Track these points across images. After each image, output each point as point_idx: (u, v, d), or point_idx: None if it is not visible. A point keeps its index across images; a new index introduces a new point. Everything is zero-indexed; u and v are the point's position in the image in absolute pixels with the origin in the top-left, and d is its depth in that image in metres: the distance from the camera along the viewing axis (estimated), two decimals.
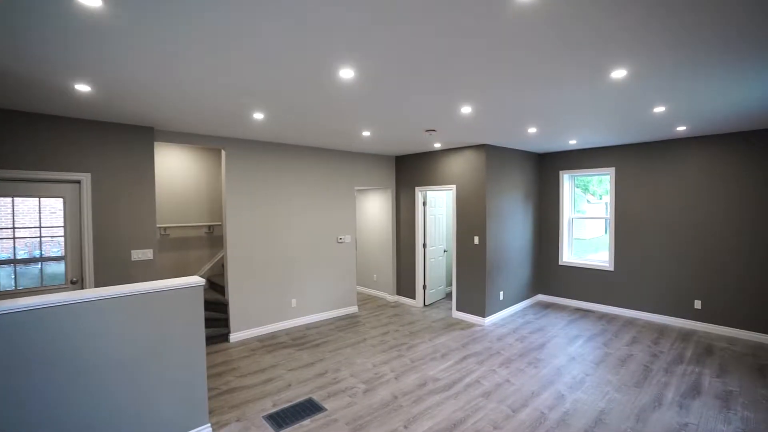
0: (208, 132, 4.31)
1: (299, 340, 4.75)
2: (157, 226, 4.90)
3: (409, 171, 6.32)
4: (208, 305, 4.84)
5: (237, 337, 4.72)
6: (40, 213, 3.54)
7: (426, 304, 6.31)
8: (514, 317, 5.58)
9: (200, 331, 2.76)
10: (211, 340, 4.57)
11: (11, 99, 2.98)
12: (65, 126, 3.52)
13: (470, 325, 5.27)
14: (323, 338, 4.80)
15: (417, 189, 6.16)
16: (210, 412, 3.10)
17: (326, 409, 3.17)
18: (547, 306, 6.15)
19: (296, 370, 3.92)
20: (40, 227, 3.53)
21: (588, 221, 6.06)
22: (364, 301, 6.62)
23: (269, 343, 4.63)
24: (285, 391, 3.47)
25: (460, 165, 5.53)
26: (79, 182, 3.62)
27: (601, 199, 5.76)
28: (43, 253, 3.56)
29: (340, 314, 5.78)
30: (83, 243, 3.64)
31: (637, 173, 5.38)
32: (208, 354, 4.29)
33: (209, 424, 2.81)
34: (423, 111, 3.45)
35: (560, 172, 6.17)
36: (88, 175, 3.64)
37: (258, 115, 3.55)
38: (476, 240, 5.35)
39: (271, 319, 5.04)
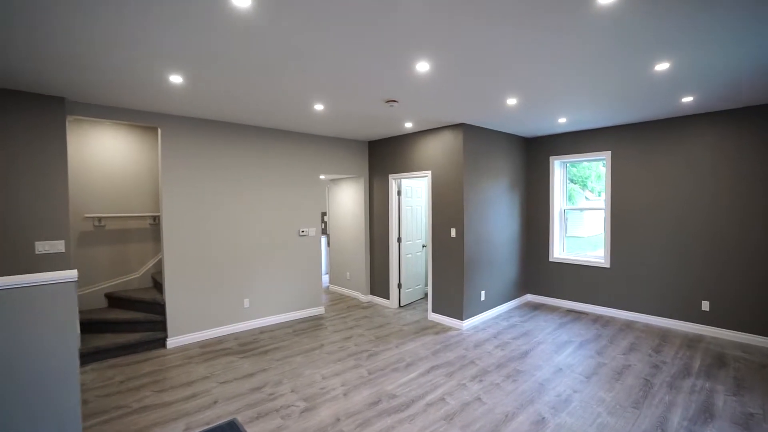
0: (136, 106, 3.71)
1: (247, 345, 4.15)
2: (90, 216, 4.31)
3: (383, 157, 5.70)
4: (146, 306, 4.24)
5: (175, 342, 4.11)
6: None
7: (401, 304, 5.70)
8: (498, 320, 4.96)
9: (72, 341, 2.16)
10: (144, 346, 3.96)
11: None
12: None
13: (446, 329, 4.66)
14: (275, 344, 4.19)
15: (390, 177, 5.54)
16: None
17: None
18: (537, 307, 5.52)
19: (230, 382, 3.31)
20: None
21: (587, 217, 5.42)
22: (335, 301, 6.01)
23: (211, 350, 4.02)
24: (207, 410, 2.87)
25: (436, 148, 4.91)
26: None
27: (600, 195, 5.14)
28: None
29: (303, 316, 5.17)
30: None
31: (635, 157, 4.75)
32: (134, 363, 3.69)
33: None
34: (373, 71, 2.83)
35: (551, 158, 5.54)
36: None
37: (176, 78, 2.94)
38: (453, 233, 4.73)
39: (219, 322, 4.43)
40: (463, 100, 3.64)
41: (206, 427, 2.65)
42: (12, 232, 3.19)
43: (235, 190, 4.54)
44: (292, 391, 3.16)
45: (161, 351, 3.99)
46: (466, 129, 4.60)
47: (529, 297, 5.90)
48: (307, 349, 4.04)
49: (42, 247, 3.32)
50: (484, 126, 4.81)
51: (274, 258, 4.88)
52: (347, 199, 6.31)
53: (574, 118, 4.44)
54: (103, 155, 4.48)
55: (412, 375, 3.44)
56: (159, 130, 4.01)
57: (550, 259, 5.59)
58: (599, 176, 5.43)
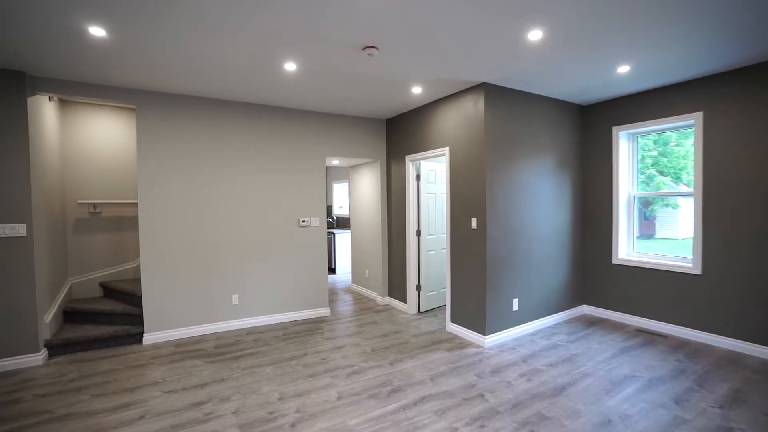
0: (110, 81, 3.41)
1: (224, 348, 3.65)
2: (83, 202, 4.19)
3: (400, 136, 4.87)
4: (128, 298, 3.98)
5: (152, 338, 3.77)
6: None
7: (421, 310, 4.82)
8: (535, 338, 3.85)
9: None
10: (119, 340, 3.68)
11: None
12: None
13: (463, 345, 3.70)
14: (254, 349, 3.64)
15: (407, 158, 4.70)
16: None
17: None
18: (593, 323, 4.26)
19: (175, 393, 2.81)
20: None
21: (680, 214, 4.04)
22: (351, 302, 5.33)
23: (184, 350, 3.60)
24: (126, 427, 2.37)
25: (453, 118, 3.96)
26: None
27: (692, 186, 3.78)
28: None
29: (302, 317, 4.58)
30: None
31: (741, 122, 3.31)
32: (99, 359, 3.38)
33: None
34: (333, 2, 2.08)
35: (614, 129, 4.23)
36: None
37: (97, 31, 2.48)
38: (473, 223, 3.75)
39: (202, 319, 4.02)
40: (464, 43, 2.69)
41: None
42: None
43: (225, 174, 4.09)
44: (233, 413, 2.54)
45: (134, 347, 3.67)
46: (488, 91, 3.59)
47: (586, 309, 4.61)
48: (286, 358, 3.42)
49: (5, 230, 3.14)
50: (514, 87, 3.74)
51: (269, 250, 4.35)
52: (366, 188, 5.60)
53: (643, 64, 3.18)
54: (99, 140, 4.34)
55: (391, 407, 2.61)
56: (136, 109, 3.70)
57: (614, 261, 4.27)
58: (686, 155, 3.95)
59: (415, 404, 2.64)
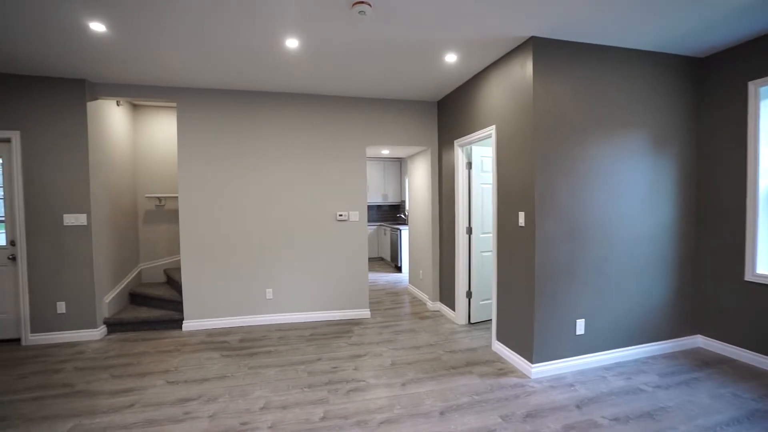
0: (155, 81, 3.64)
1: (246, 342, 3.59)
2: (150, 195, 4.64)
3: (450, 118, 4.22)
4: (177, 286, 4.24)
5: (189, 326, 3.93)
6: None
7: (471, 321, 4.11)
8: (609, 374, 2.86)
9: None
10: (163, 324, 3.93)
11: None
12: None
13: (504, 372, 2.95)
14: (273, 347, 3.49)
15: (456, 143, 4.03)
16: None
17: None
18: (708, 363, 3.00)
19: (175, 384, 2.79)
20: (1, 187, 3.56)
21: None
22: (401, 305, 4.88)
23: (211, 341, 3.65)
24: (113, 414, 2.39)
25: (498, 89, 3.20)
26: (9, 141, 3.49)
27: None
28: None
29: (338, 318, 4.30)
30: (14, 205, 3.49)
31: None
32: (140, 340, 3.63)
33: None
34: None
35: (750, 86, 2.89)
36: (17, 132, 3.46)
37: (99, 27, 2.56)
38: (521, 219, 2.96)
39: (236, 311, 4.05)
40: None
41: None
42: (46, 206, 3.53)
43: (260, 167, 4.06)
44: (210, 416, 2.37)
45: (173, 332, 3.87)
46: (539, 48, 2.76)
47: (701, 342, 3.31)
48: (296, 362, 3.17)
49: (69, 219, 3.58)
50: (580, 40, 2.81)
51: (304, 245, 4.19)
52: (419, 180, 5.07)
53: None
54: (163, 139, 4.75)
55: None
56: (177, 106, 3.88)
57: (748, 277, 2.94)
58: None
59: None
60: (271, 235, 4.11)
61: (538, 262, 2.82)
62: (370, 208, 8.69)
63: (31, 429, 2.25)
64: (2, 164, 3.51)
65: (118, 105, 4.21)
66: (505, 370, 2.99)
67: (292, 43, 2.84)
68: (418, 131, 4.49)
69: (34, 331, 3.56)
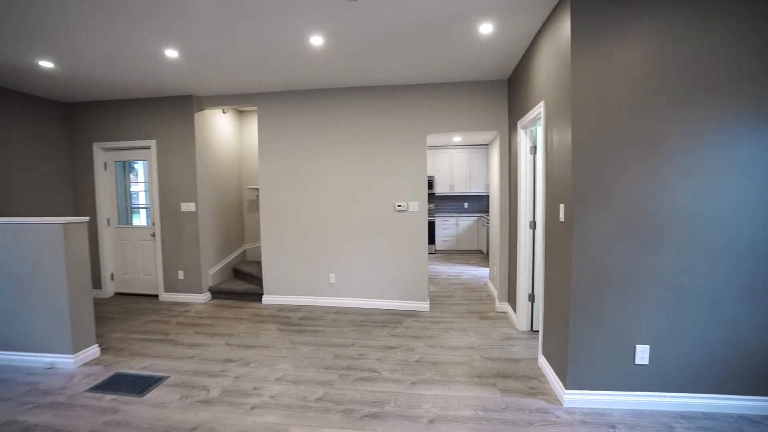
0: (241, 90, 4.30)
1: (303, 320, 3.96)
2: (251, 187, 5.49)
3: (516, 96, 3.68)
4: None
5: (267, 300, 4.55)
6: (147, 172, 4.84)
7: (534, 327, 3.56)
8: (681, 424, 2.12)
9: (57, 264, 2.85)
10: (248, 297, 4.65)
11: (98, 92, 4.16)
12: (135, 105, 4.56)
13: (534, 392, 2.50)
14: (322, 328, 3.76)
15: (519, 124, 3.50)
16: (106, 350, 3.19)
17: (163, 378, 2.48)
18: None
19: (230, 346, 3.31)
20: (147, 182, 4.80)
21: None
22: (473, 300, 4.59)
23: (277, 315, 4.15)
24: (176, 361, 3.01)
25: (547, 57, 2.65)
26: (149, 147, 4.62)
27: None
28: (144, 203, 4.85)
29: (395, 307, 4.30)
30: (153, 196, 4.63)
31: None
32: (227, 307, 4.40)
33: (72, 354, 2.91)
34: None
35: None
36: (154, 141, 4.56)
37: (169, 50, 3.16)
38: (561, 212, 2.43)
39: (304, 291, 4.48)
40: None
41: (141, 373, 2.80)
42: (170, 196, 4.58)
43: (324, 159, 4.36)
44: (235, 377, 2.75)
45: (254, 304, 4.54)
46: None
47: None
48: (332, 344, 3.36)
49: (184, 207, 4.56)
50: None
51: (363, 235, 4.33)
52: (494, 168, 4.60)
53: None
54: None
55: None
56: (257, 110, 4.47)
57: None
58: None
59: None
60: (333, 224, 4.39)
61: (576, 266, 2.27)
62: (468, 198, 8.27)
63: (127, 361, 3.03)
64: (146, 165, 4.71)
65: (223, 113, 5.09)
66: (537, 390, 2.54)
67: (315, 39, 2.96)
68: (485, 114, 4.08)
69: (166, 290, 4.70)
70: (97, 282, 4.81)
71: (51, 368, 2.92)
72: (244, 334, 3.63)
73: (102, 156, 4.75)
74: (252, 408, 2.38)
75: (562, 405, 2.35)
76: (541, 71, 2.80)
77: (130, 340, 3.47)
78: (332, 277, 4.43)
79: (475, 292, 5.02)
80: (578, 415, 2.24)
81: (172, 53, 3.19)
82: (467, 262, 7.01)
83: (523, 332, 3.56)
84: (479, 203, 8.28)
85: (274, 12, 2.52)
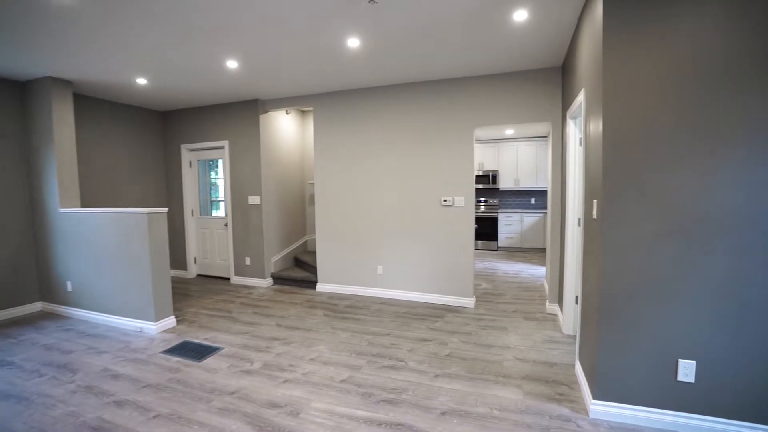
0: (298, 92, 4.66)
1: (349, 308, 4.19)
2: (311, 182, 5.88)
3: (567, 84, 3.41)
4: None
5: (320, 288, 4.87)
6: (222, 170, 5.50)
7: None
8: None
9: (144, 247, 3.45)
10: (304, 283, 5.03)
11: (182, 101, 4.87)
12: (212, 110, 5.19)
13: (562, 398, 2.37)
14: (365, 317, 3.94)
15: (568, 114, 3.25)
16: (181, 322, 3.75)
17: (219, 348, 2.91)
18: None
19: (279, 327, 3.66)
20: (222, 178, 5.47)
21: None
22: (521, 299, 4.40)
23: (327, 302, 4.44)
24: (232, 336, 3.44)
25: (585, 43, 2.44)
26: (223, 147, 5.23)
27: None
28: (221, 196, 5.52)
29: (439, 302, 4.30)
30: (227, 190, 5.25)
31: None
32: (284, 293, 4.82)
33: (154, 322, 3.51)
34: None
35: None
36: (227, 141, 5.16)
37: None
38: (594, 209, 2.25)
39: (354, 281, 4.71)
40: None
41: (204, 342, 3.25)
42: (240, 190, 5.15)
43: (372, 155, 4.52)
44: (276, 354, 3.06)
45: (308, 291, 4.90)
46: None
47: None
48: (368, 332, 3.52)
49: (251, 200, 5.09)
50: None
51: (409, 229, 4.40)
52: (549, 160, 4.30)
53: None
54: None
55: (359, 413, 2.26)
56: (312, 110, 4.78)
57: None
58: None
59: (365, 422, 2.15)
60: (381, 217, 4.53)
61: (607, 267, 2.09)
62: (534, 193, 7.79)
63: (195, 332, 3.55)
64: (222, 163, 5.35)
65: (287, 113, 5.54)
66: (564, 396, 2.40)
67: (353, 42, 3.10)
68: (537, 104, 3.85)
69: (236, 274, 5.32)
70: (183, 264, 5.64)
71: (140, 332, 3.54)
72: (294, 317, 3.97)
73: (188, 155, 5.52)
74: (284, 381, 2.64)
75: (587, 416, 2.19)
76: (582, 56, 2.59)
77: (201, 315, 4.04)
78: (380, 269, 4.59)
79: (529, 291, 4.78)
80: (603, 428, 2.08)
81: (232, 64, 3.59)
82: (530, 261, 6.65)
83: (569, 336, 3.33)
84: (546, 199, 7.74)
85: (315, 19, 2.72)
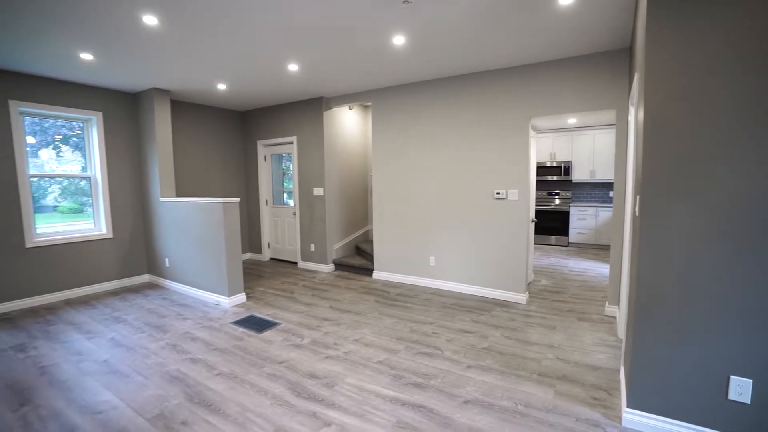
0: (357, 89, 4.90)
1: (399, 296, 4.36)
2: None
3: (632, 68, 3.08)
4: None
5: (376, 275, 5.11)
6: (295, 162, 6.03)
7: None
8: None
9: (220, 232, 4.01)
10: (362, 270, 5.32)
11: (259, 102, 5.45)
12: (284, 108, 5.68)
13: (596, 403, 2.27)
14: (413, 305, 4.07)
15: (629, 100, 2.96)
16: (250, 298, 4.27)
17: (278, 323, 3.35)
18: None
19: (333, 309, 3.98)
20: (291, 171, 6.00)
21: None
22: (582, 299, 4.15)
23: (380, 288, 4.66)
24: (290, 314, 3.84)
25: (640, 18, 2.20)
26: (292, 143, 5.71)
27: None
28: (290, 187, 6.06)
29: (490, 296, 4.25)
30: (295, 182, 5.74)
31: None
32: (342, 278, 5.15)
33: (227, 297, 4.07)
34: None
35: None
36: (295, 137, 5.63)
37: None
38: (636, 205, 2.08)
39: (408, 271, 4.86)
40: None
41: (260, 316, 3.69)
42: (306, 183, 5.59)
43: (426, 148, 4.58)
44: (324, 333, 3.37)
45: (365, 278, 5.16)
46: None
47: None
48: (413, 320, 3.66)
49: (315, 191, 5.51)
50: None
51: (462, 221, 4.40)
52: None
53: None
54: None
55: (403, 395, 2.44)
56: (371, 106, 4.97)
57: None
58: None
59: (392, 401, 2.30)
60: (435, 209, 4.59)
61: (643, 268, 1.94)
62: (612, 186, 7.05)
63: (260, 308, 4.03)
64: (291, 157, 5.86)
65: (350, 109, 5.83)
66: (599, 401, 2.28)
67: (399, 40, 3.20)
68: (598, 90, 3.55)
69: (302, 259, 5.82)
70: (258, 249, 6.33)
71: (217, 305, 4.14)
72: (347, 301, 4.27)
73: (263, 150, 6.15)
74: (326, 357, 2.92)
75: (619, 423, 2.08)
76: (638, 36, 2.37)
77: (267, 294, 4.55)
78: (432, 260, 4.68)
79: (591, 291, 4.46)
80: None
81: (294, 67, 3.94)
82: (601, 259, 6.14)
83: (622, 341, 3.09)
84: None
85: (359, 21, 2.89)
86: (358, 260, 5.56)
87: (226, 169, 6.08)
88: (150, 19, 2.75)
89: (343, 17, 2.77)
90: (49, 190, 4.41)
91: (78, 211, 4.63)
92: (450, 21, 2.88)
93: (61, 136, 4.48)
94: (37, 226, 4.24)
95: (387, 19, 2.81)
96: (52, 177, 4.38)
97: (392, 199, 4.92)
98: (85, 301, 4.33)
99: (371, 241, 6.12)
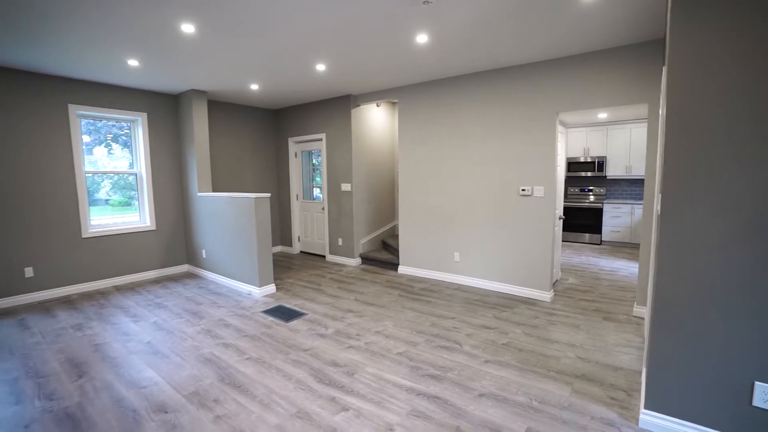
0: (384, 86, 4.99)
1: (424, 291, 4.43)
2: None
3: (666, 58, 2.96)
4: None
5: (402, 270, 5.20)
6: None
7: None
8: None
9: (251, 226, 4.24)
10: (387, 265, 5.42)
11: (291, 99, 5.66)
12: (313, 106, 5.85)
13: (614, 403, 2.25)
14: (436, 300, 4.13)
15: (661, 99, 2.85)
16: (279, 289, 4.48)
17: (304, 314, 3.55)
18: None
19: (357, 302, 4.11)
20: (314, 166, 6.18)
21: None
22: (608, 299, 4.06)
23: (405, 283, 4.74)
24: (316, 305, 4.01)
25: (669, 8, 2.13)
26: (321, 139, 5.88)
27: None
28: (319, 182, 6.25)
29: (514, 293, 4.23)
30: (324, 178, 5.91)
31: None
32: (367, 272, 5.28)
33: (258, 287, 4.31)
34: None
35: None
36: (324, 134, 5.79)
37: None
38: (658, 204, 2.04)
39: (432, 266, 4.91)
40: None
41: (293, 307, 3.88)
42: (334, 178, 5.75)
43: (452, 144, 4.60)
44: (348, 324, 3.51)
45: (390, 272, 5.26)
46: None
47: None
48: (434, 314, 3.73)
49: (343, 187, 5.66)
50: None
51: (486, 217, 4.39)
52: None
53: None
54: None
55: (419, 384, 2.53)
56: (397, 103, 5.03)
57: None
58: None
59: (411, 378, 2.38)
60: (459, 205, 4.61)
61: (662, 268, 1.91)
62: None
63: (288, 298, 4.23)
64: (321, 153, 6.03)
65: (377, 106, 5.91)
66: (617, 401, 2.26)
67: (422, 38, 3.24)
68: (630, 83, 3.43)
69: (330, 253, 6.00)
70: (289, 242, 6.58)
71: (249, 294, 4.39)
72: (372, 294, 4.39)
73: (293, 147, 6.37)
74: (348, 347, 3.06)
75: (636, 424, 2.06)
76: (668, 26, 2.29)
77: (296, 285, 4.75)
78: (456, 256, 4.70)
79: (620, 291, 4.33)
80: None
81: (321, 67, 4.07)
82: (635, 258, 5.91)
83: None
84: None
85: (383, 21, 2.96)
86: (384, 255, 5.67)
87: (258, 165, 6.36)
88: (188, 27, 2.95)
89: (367, 16, 2.85)
90: (102, 184, 4.82)
91: (126, 204, 5.03)
92: (472, 19, 2.88)
93: (111, 135, 4.88)
94: (91, 218, 4.66)
95: (410, 17, 2.86)
96: (104, 173, 4.79)
97: (417, 195, 4.98)
98: (131, 288, 4.72)
99: (397, 236, 6.21)
